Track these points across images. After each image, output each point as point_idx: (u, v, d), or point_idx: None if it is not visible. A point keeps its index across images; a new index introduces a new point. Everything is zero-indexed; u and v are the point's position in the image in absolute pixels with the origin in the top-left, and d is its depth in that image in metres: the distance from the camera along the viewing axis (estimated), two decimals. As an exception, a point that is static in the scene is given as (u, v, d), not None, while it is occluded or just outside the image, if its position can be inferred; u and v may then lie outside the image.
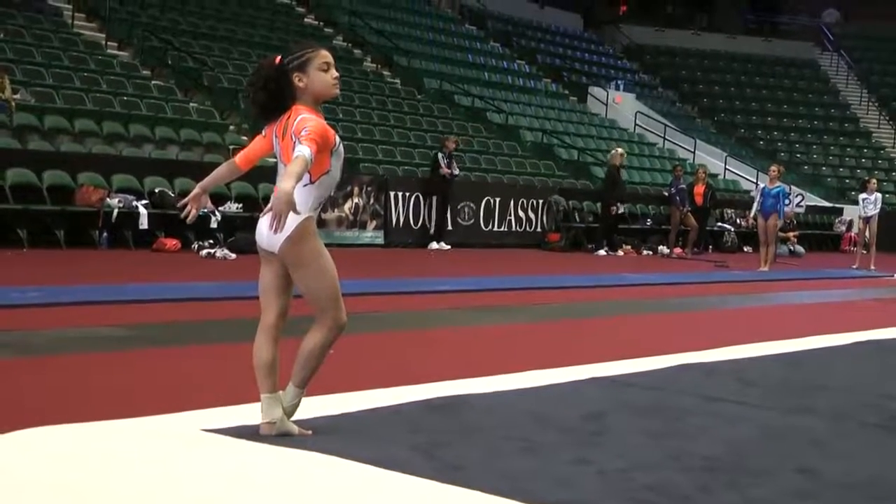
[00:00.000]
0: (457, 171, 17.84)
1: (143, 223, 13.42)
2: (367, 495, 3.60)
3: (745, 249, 22.61)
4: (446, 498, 3.63)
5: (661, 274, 15.40)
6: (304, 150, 3.94)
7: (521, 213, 19.35)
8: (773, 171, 17.70)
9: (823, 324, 9.80)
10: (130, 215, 13.41)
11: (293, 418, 4.32)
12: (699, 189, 20.97)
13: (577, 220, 20.46)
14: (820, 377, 6.70)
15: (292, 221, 4.05)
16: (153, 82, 18.57)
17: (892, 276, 17.34)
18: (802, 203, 25.96)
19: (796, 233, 23.82)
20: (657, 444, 4.53)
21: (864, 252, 19.31)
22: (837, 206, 28.26)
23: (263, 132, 4.38)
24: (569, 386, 5.83)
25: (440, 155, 17.62)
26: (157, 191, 14.02)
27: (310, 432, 4.31)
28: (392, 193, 17.13)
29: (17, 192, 12.87)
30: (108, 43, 19.93)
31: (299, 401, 4.35)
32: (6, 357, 5.94)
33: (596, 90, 30.64)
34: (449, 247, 17.30)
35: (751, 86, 36.83)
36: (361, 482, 3.72)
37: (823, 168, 32.76)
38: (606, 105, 29.85)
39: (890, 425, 5.28)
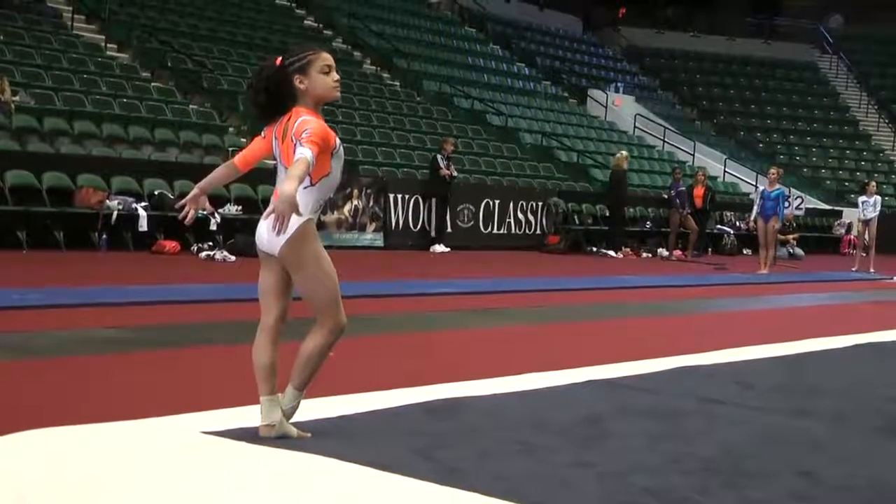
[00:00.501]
0: (455, 173, 17.86)
1: (143, 225, 13.41)
2: (365, 497, 3.61)
3: (745, 252, 22.60)
4: (445, 500, 3.64)
5: (660, 276, 15.40)
6: (305, 153, 3.95)
7: (520, 216, 19.35)
8: (773, 174, 17.70)
9: (823, 326, 9.80)
10: (130, 217, 13.40)
11: (292, 420, 4.32)
12: (698, 191, 20.97)
13: (577, 222, 20.46)
14: (819, 380, 6.70)
15: (293, 224, 4.05)
16: (153, 84, 18.57)
17: (892, 278, 17.35)
18: (802, 206, 25.96)
19: (796, 235, 23.82)
20: (656, 446, 4.54)
21: (864, 255, 19.32)
22: (837, 208, 28.24)
23: (263, 134, 4.38)
24: (567, 388, 5.84)
25: (439, 157, 17.64)
26: (156, 193, 14.02)
27: (309, 434, 4.31)
28: (392, 195, 17.13)
29: (17, 193, 12.87)
30: (108, 45, 19.93)
31: (298, 403, 4.35)
32: (6, 359, 5.94)
33: (595, 92, 30.67)
34: (448, 249, 17.30)
35: (750, 88, 36.84)
36: (360, 484, 3.73)
37: (823, 170, 32.76)
38: (606, 107, 29.87)
39: (889, 428, 5.28)
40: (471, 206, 18.45)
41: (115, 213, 13.26)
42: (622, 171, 20.08)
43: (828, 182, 31.85)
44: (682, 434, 4.82)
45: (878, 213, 19.17)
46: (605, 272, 15.58)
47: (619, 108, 30.18)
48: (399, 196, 17.26)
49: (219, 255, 13.18)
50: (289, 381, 4.31)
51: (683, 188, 20.81)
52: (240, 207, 14.77)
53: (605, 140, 27.46)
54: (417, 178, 18.47)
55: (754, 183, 26.80)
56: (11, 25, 18.20)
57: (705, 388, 6.09)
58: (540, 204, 19.75)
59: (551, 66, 32.00)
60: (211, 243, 13.65)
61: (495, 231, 18.94)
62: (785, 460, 4.43)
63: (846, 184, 31.11)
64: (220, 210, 14.22)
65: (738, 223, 23.95)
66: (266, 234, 4.19)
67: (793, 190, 25.35)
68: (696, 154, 28.34)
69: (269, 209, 3.93)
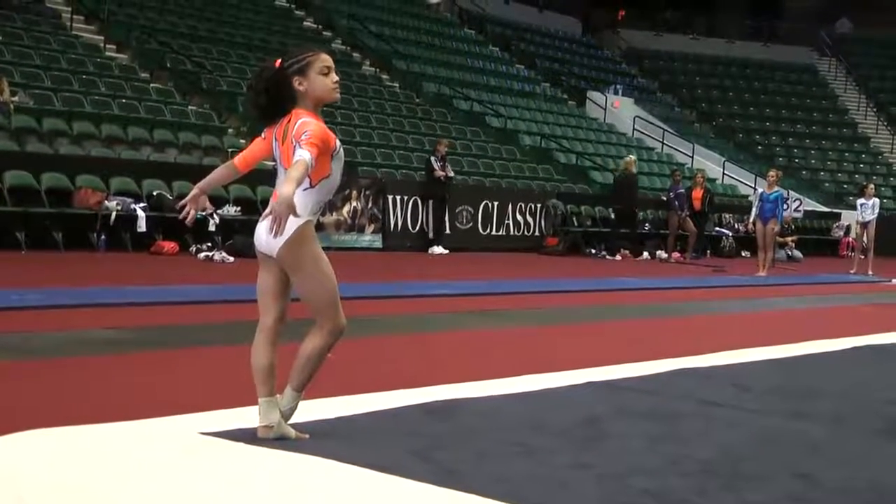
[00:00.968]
0: (451, 173, 17.84)
1: (142, 226, 13.42)
2: (363, 499, 3.61)
3: (744, 254, 22.61)
4: (443, 501, 3.63)
5: (659, 278, 15.40)
6: (304, 155, 3.95)
7: (519, 218, 19.36)
8: (772, 176, 17.70)
9: (821, 329, 9.80)
10: (129, 218, 13.40)
11: (290, 422, 4.32)
12: (697, 193, 20.98)
13: (576, 224, 20.46)
14: (818, 382, 6.70)
15: (291, 225, 4.05)
16: (152, 85, 18.58)
17: (890, 281, 17.36)
18: (800, 208, 25.96)
19: (794, 237, 23.82)
20: (654, 448, 4.53)
21: (862, 257, 19.33)
22: (835, 210, 28.27)
23: (263, 135, 4.38)
24: (566, 390, 5.83)
25: (433, 159, 17.65)
26: (155, 193, 14.02)
27: (307, 436, 4.31)
28: (390, 197, 17.13)
29: (16, 194, 12.88)
30: (107, 46, 19.94)
31: (297, 404, 4.34)
32: (4, 359, 5.93)
33: (594, 94, 30.68)
34: (447, 251, 17.30)
35: (749, 90, 36.87)
36: (358, 486, 3.73)
37: (821, 173, 32.78)
38: (605, 109, 29.88)
39: (888, 430, 5.28)
40: (469, 208, 18.45)
41: (114, 214, 13.27)
42: (633, 175, 20.07)
43: (826, 184, 31.87)
44: (680, 436, 4.82)
45: (876, 215, 19.16)
46: (603, 274, 15.58)
47: (619, 110, 30.18)
48: (398, 197, 17.26)
49: (217, 255, 13.18)
50: (287, 383, 4.31)
51: (682, 190, 20.82)
52: (239, 208, 14.78)
53: (605, 142, 27.49)
54: (416, 179, 18.47)
55: (753, 185, 26.82)
56: (10, 26, 18.20)
57: (704, 389, 6.09)
58: (539, 206, 19.76)
59: (550, 67, 32.01)
60: (210, 244, 13.65)
61: (494, 233, 18.95)
62: (783, 462, 4.43)
63: (845, 186, 31.14)
64: (219, 211, 14.23)
65: (736, 225, 23.97)
66: (265, 236, 4.19)
67: (791, 192, 25.36)
68: (695, 156, 28.35)
69: (267, 210, 3.93)
